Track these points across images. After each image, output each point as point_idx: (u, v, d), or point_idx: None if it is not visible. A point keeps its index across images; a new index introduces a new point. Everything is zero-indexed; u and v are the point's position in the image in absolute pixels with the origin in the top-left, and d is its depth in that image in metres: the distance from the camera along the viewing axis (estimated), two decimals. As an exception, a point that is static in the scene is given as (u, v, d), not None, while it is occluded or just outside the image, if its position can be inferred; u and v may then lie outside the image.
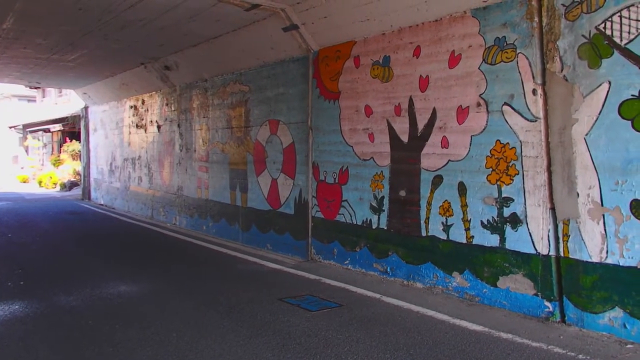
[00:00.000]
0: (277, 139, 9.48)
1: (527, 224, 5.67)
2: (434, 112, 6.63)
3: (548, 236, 5.49)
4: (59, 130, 29.19)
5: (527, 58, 5.61)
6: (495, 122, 5.95)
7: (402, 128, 7.09)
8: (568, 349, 4.74)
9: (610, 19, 4.89)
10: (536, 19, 5.50)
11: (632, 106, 4.77)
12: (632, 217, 4.81)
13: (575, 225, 5.23)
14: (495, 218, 5.97)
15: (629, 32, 4.77)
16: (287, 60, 9.19)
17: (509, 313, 5.78)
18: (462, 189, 6.33)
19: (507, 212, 5.86)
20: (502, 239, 5.91)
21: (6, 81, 18.00)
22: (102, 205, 18.22)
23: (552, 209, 5.44)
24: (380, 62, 7.37)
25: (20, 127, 35.60)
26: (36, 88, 31.02)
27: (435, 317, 5.73)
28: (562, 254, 5.36)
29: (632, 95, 4.76)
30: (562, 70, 5.29)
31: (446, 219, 6.53)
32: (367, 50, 7.59)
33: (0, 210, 16.59)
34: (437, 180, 6.62)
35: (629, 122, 4.79)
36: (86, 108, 20.13)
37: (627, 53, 4.79)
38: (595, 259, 5.09)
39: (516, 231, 5.77)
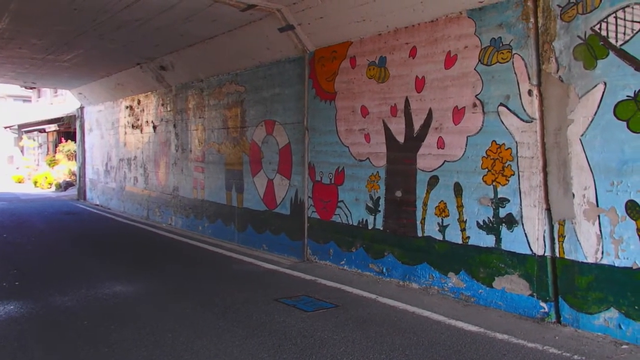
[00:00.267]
0: (273, 140, 9.47)
1: (522, 224, 5.68)
2: (430, 112, 6.64)
3: (544, 237, 5.50)
4: (54, 131, 29.14)
5: (522, 59, 5.62)
6: (491, 123, 5.96)
7: (398, 128, 7.09)
8: (563, 350, 4.75)
9: (605, 20, 4.90)
10: (532, 19, 5.52)
11: (627, 107, 4.78)
12: (628, 217, 4.82)
13: (570, 226, 5.24)
14: (491, 219, 5.98)
15: (624, 33, 4.78)
16: (283, 61, 9.19)
17: (505, 314, 5.79)
18: (458, 190, 6.34)
19: (502, 212, 5.86)
20: (498, 240, 5.92)
21: (1, 81, 17.96)
22: (97, 205, 18.17)
23: (548, 209, 5.45)
24: (376, 63, 7.37)
25: (16, 127, 35.54)
26: (32, 88, 31.00)
27: (431, 318, 5.73)
28: (557, 254, 5.37)
29: (627, 96, 4.78)
30: (557, 71, 5.30)
31: (442, 220, 6.53)
32: (363, 51, 7.59)
33: (-5, 210, 16.55)
34: (433, 181, 6.63)
35: (624, 123, 4.80)
36: (82, 108, 20.08)
37: (622, 54, 4.80)
38: (590, 259, 5.10)
39: (512, 232, 5.78)
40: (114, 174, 17.01)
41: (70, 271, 8.18)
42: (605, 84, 4.93)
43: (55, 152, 28.52)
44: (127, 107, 15.91)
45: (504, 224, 5.86)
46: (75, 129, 21.78)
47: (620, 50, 4.81)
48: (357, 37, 7.66)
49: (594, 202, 5.05)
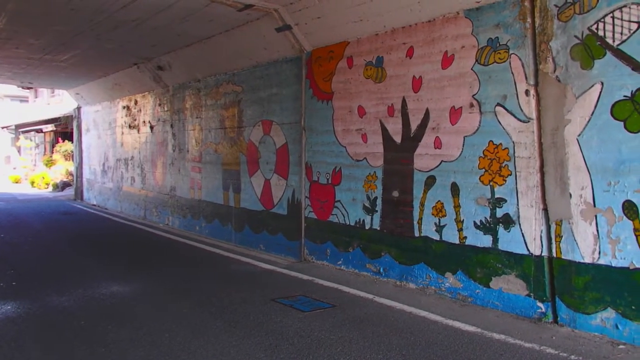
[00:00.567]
0: (270, 140, 9.47)
1: (519, 224, 5.68)
2: (427, 112, 6.64)
3: (541, 237, 5.50)
4: (51, 131, 29.08)
5: (519, 59, 5.62)
6: (488, 123, 5.96)
7: (395, 129, 7.09)
8: (560, 350, 4.75)
9: (602, 20, 4.91)
10: (529, 19, 5.52)
11: (624, 107, 4.79)
12: (625, 217, 4.82)
13: (567, 226, 5.25)
14: (488, 219, 5.98)
15: (621, 33, 4.78)
16: (280, 61, 9.18)
17: (502, 314, 5.79)
18: (455, 190, 6.34)
19: (499, 212, 5.87)
20: (495, 240, 5.92)
21: (-2, 81, 17.94)
22: (94, 205, 18.15)
23: (545, 209, 5.46)
24: (374, 63, 7.37)
25: (13, 127, 35.46)
26: (28, 88, 30.88)
27: (428, 318, 5.73)
28: (554, 254, 5.38)
29: (624, 96, 4.78)
30: (554, 71, 5.31)
31: (439, 220, 6.53)
32: (360, 51, 7.59)
33: (-9, 210, 16.51)
34: (430, 181, 6.63)
35: (621, 123, 4.80)
36: (79, 108, 20.04)
37: (619, 54, 4.80)
38: (587, 259, 5.10)
39: (509, 232, 5.78)
40: (111, 174, 16.98)
41: (68, 271, 8.16)
42: (602, 84, 4.93)
43: (53, 153, 28.47)
44: (124, 107, 15.89)
45: (501, 224, 5.86)
46: (72, 129, 21.74)
47: (617, 50, 4.82)
48: (354, 37, 7.66)
49: (591, 202, 5.05)
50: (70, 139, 24.05)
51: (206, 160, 11.52)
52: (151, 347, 4.92)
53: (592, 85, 5.00)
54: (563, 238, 5.29)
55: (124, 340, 5.11)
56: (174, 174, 12.92)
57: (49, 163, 27.35)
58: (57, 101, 30.17)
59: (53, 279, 7.62)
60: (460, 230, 6.29)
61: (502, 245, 5.85)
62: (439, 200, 6.52)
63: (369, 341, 5.05)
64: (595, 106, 4.98)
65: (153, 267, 8.53)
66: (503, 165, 5.81)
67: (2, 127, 36.70)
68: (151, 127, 14.14)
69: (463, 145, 6.23)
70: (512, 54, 5.69)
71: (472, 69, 6.10)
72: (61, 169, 25.39)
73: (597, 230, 5.02)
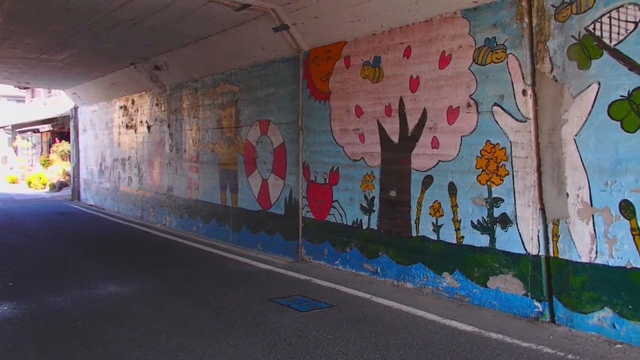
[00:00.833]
0: (268, 139, 9.46)
1: (517, 224, 5.68)
2: (425, 112, 6.64)
3: (538, 236, 5.51)
4: (48, 131, 29.02)
5: (517, 59, 5.63)
6: (485, 123, 5.96)
7: (392, 128, 7.10)
8: (557, 349, 4.76)
9: (599, 20, 4.91)
10: (526, 19, 5.53)
11: (621, 107, 4.80)
12: (622, 217, 4.83)
13: (564, 226, 5.25)
14: (485, 218, 5.99)
15: (618, 33, 4.79)
16: (277, 61, 9.18)
17: (499, 313, 5.80)
18: (452, 190, 6.34)
19: (497, 212, 5.87)
20: (492, 239, 5.92)
21: (-5, 81, 17.90)
22: (91, 205, 18.12)
23: (542, 209, 5.46)
24: (371, 63, 7.37)
25: (9, 127, 35.35)
26: (25, 88, 30.87)
27: (426, 318, 5.73)
28: (551, 254, 5.38)
29: (621, 96, 4.79)
30: (551, 71, 5.32)
31: (436, 220, 6.54)
32: (358, 51, 7.59)
33: (-12, 211, 16.48)
34: (428, 181, 6.63)
35: (618, 122, 4.81)
36: (76, 108, 20.01)
37: (616, 54, 4.81)
38: (584, 259, 5.11)
39: (506, 231, 5.79)
40: (108, 174, 16.96)
41: (65, 271, 8.15)
42: (599, 83, 4.94)
43: (49, 153, 28.41)
44: (121, 107, 15.86)
45: (498, 224, 5.87)
46: (69, 129, 21.70)
47: (614, 50, 4.82)
48: (351, 37, 7.66)
49: (588, 201, 5.06)
50: (67, 139, 24.01)
51: (203, 160, 11.51)
52: (148, 347, 4.91)
53: (589, 85, 5.01)
54: (560, 238, 5.29)
55: (121, 340, 5.10)
56: (171, 174, 12.91)
57: (46, 163, 27.30)
58: (54, 101, 30.10)
59: (50, 279, 7.60)
60: (457, 230, 6.30)
61: (499, 245, 5.86)
62: (437, 200, 6.53)
63: (366, 341, 5.05)
64: (592, 106, 4.99)
65: (150, 268, 8.51)
66: (500, 165, 5.82)
67: (-1, 127, 36.66)
68: (148, 127, 14.12)
69: (460, 145, 6.24)
70: (510, 53, 5.69)
71: (469, 68, 6.11)
72: (58, 169, 25.34)
73: (594, 230, 5.03)
